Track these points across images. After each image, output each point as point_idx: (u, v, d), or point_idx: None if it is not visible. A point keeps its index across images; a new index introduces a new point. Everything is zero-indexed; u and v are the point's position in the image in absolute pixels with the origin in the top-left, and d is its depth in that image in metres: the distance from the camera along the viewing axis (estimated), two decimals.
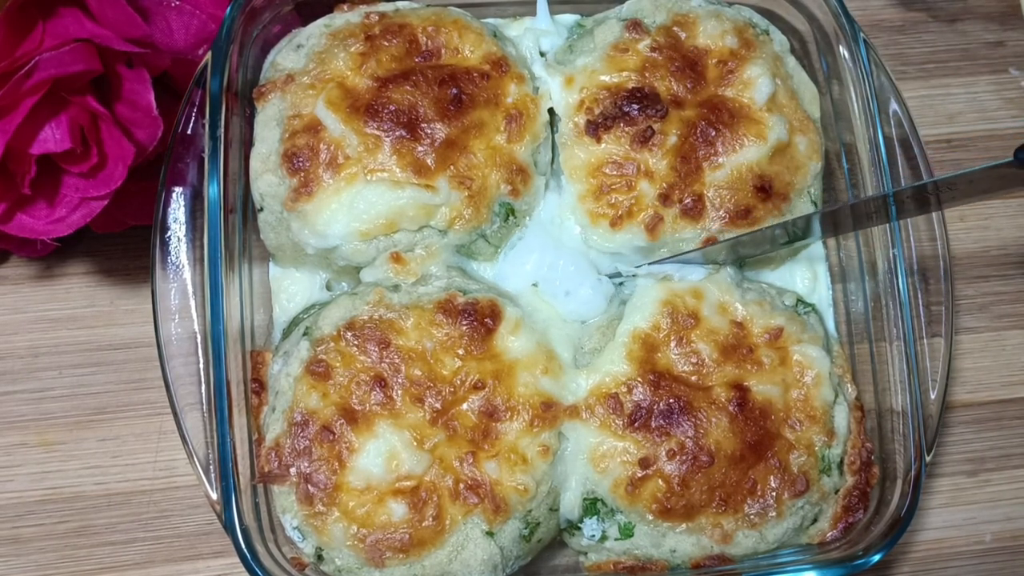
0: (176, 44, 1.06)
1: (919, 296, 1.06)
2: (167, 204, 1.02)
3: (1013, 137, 1.30)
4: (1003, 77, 1.32)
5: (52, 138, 0.97)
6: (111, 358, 1.16)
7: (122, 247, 1.19)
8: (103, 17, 0.97)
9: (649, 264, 1.05)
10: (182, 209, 1.02)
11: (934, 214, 1.08)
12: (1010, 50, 1.32)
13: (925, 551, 1.16)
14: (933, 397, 1.03)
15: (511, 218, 1.05)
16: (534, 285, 1.05)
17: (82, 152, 0.99)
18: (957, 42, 1.32)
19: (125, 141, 0.99)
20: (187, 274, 1.01)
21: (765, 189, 1.04)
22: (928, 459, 1.00)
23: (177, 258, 1.01)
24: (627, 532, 0.98)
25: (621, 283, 1.07)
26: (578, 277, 1.05)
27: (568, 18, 1.16)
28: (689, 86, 1.05)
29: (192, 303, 1.01)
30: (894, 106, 1.09)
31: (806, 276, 1.10)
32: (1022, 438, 1.20)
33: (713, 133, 1.03)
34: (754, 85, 1.05)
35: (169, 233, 1.01)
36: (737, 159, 1.03)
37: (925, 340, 1.05)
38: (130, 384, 1.15)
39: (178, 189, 1.02)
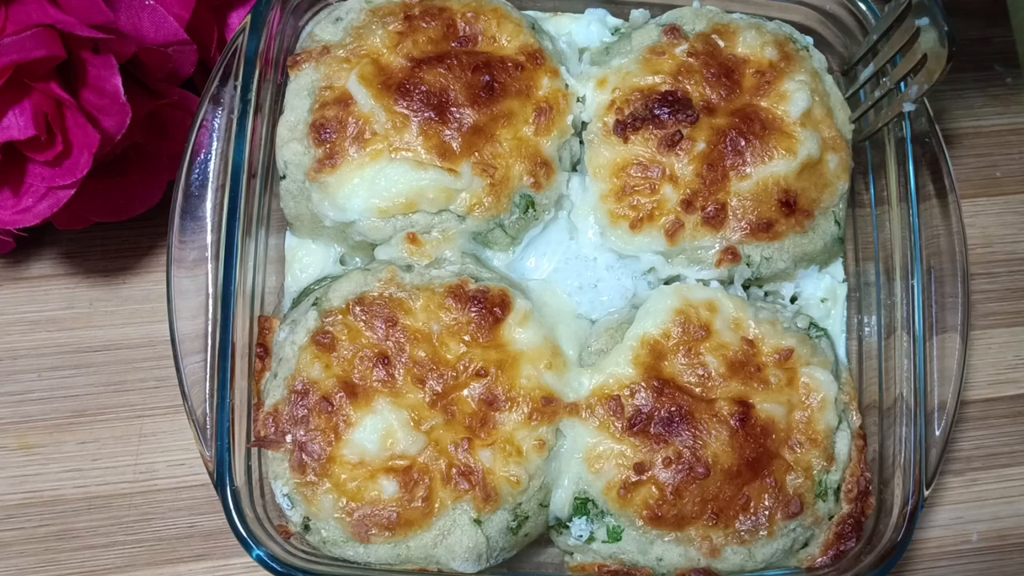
0: (145, 42, 1.03)
1: (933, 328, 1.04)
2: (192, 163, 1.02)
3: (999, 134, 1.27)
4: (988, 74, 1.29)
5: (16, 125, 0.96)
6: (90, 360, 1.14)
7: (100, 249, 1.17)
8: (66, 3, 0.95)
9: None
10: (210, 169, 1.02)
11: (958, 256, 1.06)
12: (995, 47, 1.30)
13: (912, 551, 1.14)
14: (938, 433, 1.02)
15: (530, 211, 1.04)
16: (545, 280, 1.05)
17: (47, 140, 0.97)
18: None
19: (90, 128, 0.97)
20: (207, 236, 1.01)
21: (789, 204, 1.03)
22: (926, 494, 0.98)
23: (198, 216, 1.01)
24: (615, 536, 0.97)
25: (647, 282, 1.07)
26: (594, 274, 1.05)
27: (609, 21, 1.15)
28: (723, 94, 1.04)
29: (208, 264, 1.00)
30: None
31: (824, 291, 1.10)
32: (1008, 437, 1.18)
33: (743, 143, 1.02)
34: (790, 98, 1.04)
35: (192, 189, 1.02)
36: (764, 171, 1.02)
37: (935, 375, 1.03)
38: (110, 387, 1.14)
39: (202, 153, 1.02)
